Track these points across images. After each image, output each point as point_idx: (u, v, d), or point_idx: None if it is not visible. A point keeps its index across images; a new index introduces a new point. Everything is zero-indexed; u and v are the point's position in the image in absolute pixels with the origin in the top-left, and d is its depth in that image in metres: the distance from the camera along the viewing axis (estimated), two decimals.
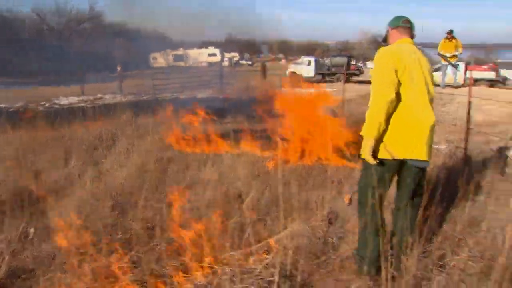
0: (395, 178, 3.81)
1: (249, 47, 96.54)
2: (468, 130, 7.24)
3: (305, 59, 39.95)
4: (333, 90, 21.08)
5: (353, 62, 39.49)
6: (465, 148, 7.19)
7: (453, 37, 19.12)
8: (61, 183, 6.82)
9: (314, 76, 36.40)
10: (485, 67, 25.39)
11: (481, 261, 3.55)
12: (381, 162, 3.60)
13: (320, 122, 7.68)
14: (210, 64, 62.83)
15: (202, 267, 3.55)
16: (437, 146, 8.18)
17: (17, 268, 4.10)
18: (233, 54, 80.00)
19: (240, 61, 79.77)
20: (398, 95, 3.55)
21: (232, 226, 4.13)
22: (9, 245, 4.30)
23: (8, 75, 43.24)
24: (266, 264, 3.42)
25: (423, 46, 22.00)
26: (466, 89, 7.59)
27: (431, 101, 3.75)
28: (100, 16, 65.56)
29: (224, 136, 8.84)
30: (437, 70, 21.39)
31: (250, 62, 78.67)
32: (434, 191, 4.22)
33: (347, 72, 35.43)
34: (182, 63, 64.65)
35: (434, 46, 22.82)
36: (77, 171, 7.35)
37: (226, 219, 4.30)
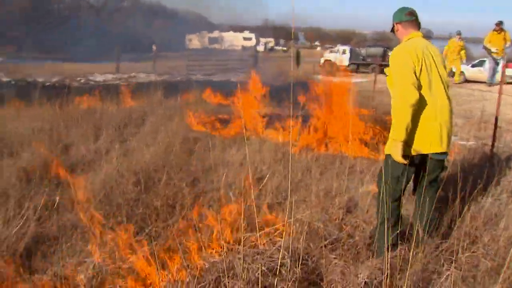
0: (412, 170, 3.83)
1: (285, 33, 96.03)
2: (496, 127, 7.14)
3: (340, 47, 39.66)
4: (363, 80, 20.93)
5: (389, 53, 38.90)
6: (492, 145, 7.10)
7: (502, 29, 17.53)
8: (89, 158, 7.00)
9: (348, 66, 36.13)
10: None
11: (494, 259, 3.55)
12: (405, 158, 3.62)
13: (346, 111, 7.67)
14: (245, 48, 62.80)
15: (216, 245, 3.65)
16: (464, 142, 8.10)
17: (42, 235, 4.27)
18: (268, 39, 79.69)
19: (275, 47, 79.37)
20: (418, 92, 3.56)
21: (250, 208, 4.21)
22: (35, 213, 4.46)
23: (46, 50, 44.08)
24: (279, 247, 3.49)
25: (466, 41, 21.43)
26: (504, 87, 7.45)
27: (447, 89, 3.77)
28: None
29: (251, 119, 8.90)
30: (476, 65, 20.88)
31: (285, 48, 78.18)
32: (455, 186, 4.23)
33: (382, 63, 35.10)
34: (217, 46, 64.77)
35: (477, 40, 22.25)
36: (106, 147, 7.52)
37: (244, 200, 4.36)
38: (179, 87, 15.34)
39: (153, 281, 3.25)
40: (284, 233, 3.67)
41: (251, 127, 8.64)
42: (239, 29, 75.92)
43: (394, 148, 3.59)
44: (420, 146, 3.65)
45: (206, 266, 3.32)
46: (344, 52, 36.90)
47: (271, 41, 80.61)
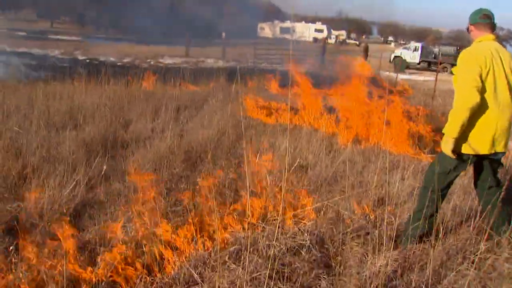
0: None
1: (358, 27, 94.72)
2: None
3: (412, 44, 38.89)
4: (431, 79, 20.45)
5: None
6: None
7: None
8: (146, 135, 7.36)
9: (419, 63, 35.41)
10: None
11: None
12: (460, 156, 3.76)
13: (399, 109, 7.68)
14: (316, 39, 62.50)
15: (244, 222, 3.85)
16: None
17: (91, 199, 4.63)
18: (340, 32, 78.94)
19: (347, 40, 78.45)
20: (481, 95, 3.62)
21: (287, 192, 4.38)
22: (86, 180, 4.83)
23: (119, 31, 45.76)
24: (303, 229, 3.65)
25: None
26: None
27: None
28: None
29: (307, 110, 9.03)
30: None
31: (357, 42, 77.10)
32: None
33: (454, 63, 34.06)
34: (288, 36, 64.78)
35: None
36: (162, 127, 7.86)
37: (279, 185, 4.54)
38: (244, 74, 15.61)
39: (182, 248, 3.50)
40: (312, 217, 3.81)
41: (306, 117, 8.76)
42: (312, 19, 75.56)
43: (445, 143, 3.73)
44: (478, 147, 3.75)
45: (231, 240, 3.54)
46: (415, 49, 36.14)
47: (342, 34, 79.74)
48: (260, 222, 3.92)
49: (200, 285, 3.04)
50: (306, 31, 69.58)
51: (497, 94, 3.69)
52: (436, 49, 36.86)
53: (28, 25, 55.32)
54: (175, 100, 10.26)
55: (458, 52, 34.68)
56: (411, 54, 35.66)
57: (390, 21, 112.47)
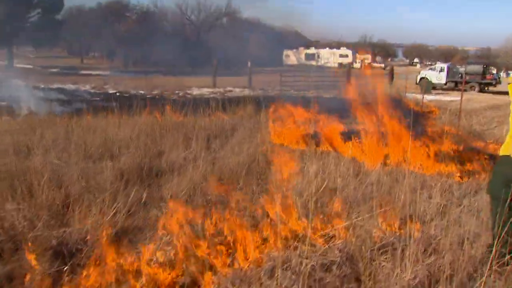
0: None
1: (383, 50, 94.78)
2: None
3: (438, 65, 38.86)
4: (457, 99, 20.41)
5: (493, 71, 37.41)
6: None
7: None
8: (179, 163, 7.64)
9: (446, 84, 35.34)
10: None
11: None
12: None
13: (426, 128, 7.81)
14: (341, 64, 62.81)
15: (277, 241, 4.06)
16: None
17: (130, 225, 4.90)
18: (365, 56, 79.13)
19: (373, 64, 78.47)
20: None
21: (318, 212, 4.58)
22: (126, 206, 5.11)
23: (149, 64, 46.89)
24: (334, 247, 3.84)
25: None
26: None
27: None
28: (237, 13, 67.83)
29: (333, 136, 9.21)
30: None
31: (382, 65, 77.07)
32: None
33: (482, 82, 33.93)
34: (313, 62, 65.25)
35: None
36: (194, 155, 8.15)
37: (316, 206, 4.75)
38: (271, 102, 15.90)
39: (220, 269, 3.71)
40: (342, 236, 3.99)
41: (331, 142, 8.94)
42: (336, 45, 76.03)
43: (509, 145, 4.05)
44: None
45: (265, 259, 3.75)
46: (441, 70, 36.10)
47: (367, 58, 79.88)
48: (292, 241, 4.12)
49: None
50: (331, 57, 70.05)
51: None
52: (462, 69, 36.75)
53: (59, 61, 57.30)
54: (205, 129, 10.58)
55: (485, 69, 34.61)
56: (437, 75, 35.64)
57: (415, 43, 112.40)
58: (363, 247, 3.89)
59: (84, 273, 3.57)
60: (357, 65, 67.86)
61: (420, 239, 4.09)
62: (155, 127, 10.56)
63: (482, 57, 66.50)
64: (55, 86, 26.80)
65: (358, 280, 3.50)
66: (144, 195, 5.33)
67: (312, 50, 72.58)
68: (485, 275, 3.33)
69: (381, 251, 3.85)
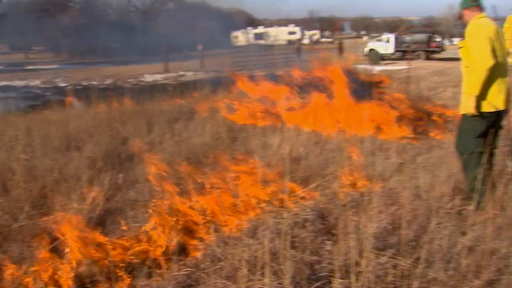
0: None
1: (331, 25, 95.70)
2: None
3: (384, 36, 39.76)
4: (402, 68, 21.11)
5: (438, 39, 38.52)
6: None
7: None
8: (145, 148, 7.83)
9: (393, 53, 36.22)
10: None
11: None
12: (482, 115, 4.44)
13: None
14: (290, 42, 63.27)
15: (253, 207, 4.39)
16: None
17: (111, 208, 5.12)
18: (313, 32, 79.83)
19: (321, 39, 79.28)
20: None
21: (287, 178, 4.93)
22: (102, 192, 5.32)
23: (97, 55, 46.19)
24: (305, 207, 4.20)
25: None
26: None
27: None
28: None
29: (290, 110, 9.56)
30: None
31: (331, 40, 78.00)
32: None
33: (427, 49, 35.01)
34: (262, 42, 65.42)
35: None
36: (159, 139, 8.35)
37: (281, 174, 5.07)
38: (224, 83, 16.11)
39: (201, 235, 4.02)
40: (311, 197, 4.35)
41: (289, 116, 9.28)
42: (284, 23, 76.33)
43: (467, 102, 4.41)
44: (497, 103, 4.46)
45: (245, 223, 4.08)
46: (388, 41, 36.98)
47: (316, 34, 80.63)
48: (267, 205, 4.46)
49: (224, 261, 3.54)
50: (280, 35, 70.32)
51: (503, 59, 4.48)
52: (408, 38, 37.70)
53: (2, 58, 55.51)
54: (165, 114, 10.74)
55: (430, 38, 35.66)
56: (385, 45, 36.52)
57: (361, 16, 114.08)
58: (331, 204, 4.26)
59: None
60: (306, 41, 68.47)
61: (382, 193, 4.50)
62: (115, 116, 10.64)
63: (427, 26, 68.07)
64: (2, 83, 26.14)
65: (330, 233, 3.87)
66: (121, 178, 5.53)
67: (260, 30, 72.65)
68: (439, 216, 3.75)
69: (348, 206, 4.23)
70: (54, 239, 4.05)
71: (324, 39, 79.53)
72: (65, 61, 47.27)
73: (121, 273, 3.51)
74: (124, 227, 4.32)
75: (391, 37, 37.74)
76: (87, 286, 3.54)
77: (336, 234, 3.77)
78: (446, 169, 5.12)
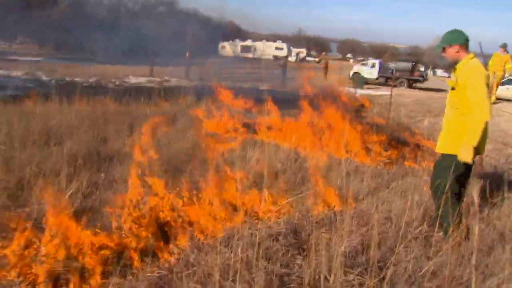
0: None
1: (318, 44, 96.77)
2: None
3: (370, 61, 40.38)
4: (384, 93, 21.47)
5: (421, 68, 39.24)
6: None
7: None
8: (125, 150, 7.88)
9: (377, 79, 36.77)
10: None
11: None
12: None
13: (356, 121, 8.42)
14: (276, 58, 63.71)
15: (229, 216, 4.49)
16: None
17: (87, 206, 5.16)
18: (300, 50, 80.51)
19: (307, 58, 79.96)
20: None
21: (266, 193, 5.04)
22: (80, 190, 5.37)
23: (84, 51, 45.88)
24: (278, 220, 4.32)
25: None
26: None
27: None
28: (174, 2, 67.20)
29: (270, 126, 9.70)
30: (505, 83, 20.09)
31: (317, 60, 78.72)
32: None
33: (410, 78, 35.64)
34: (249, 55, 65.80)
35: None
36: (139, 141, 8.39)
37: (260, 187, 5.20)
38: (209, 92, 16.21)
39: (179, 242, 4.11)
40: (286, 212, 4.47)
41: (270, 132, 9.42)
42: (272, 38, 76.87)
43: (467, 152, 4.33)
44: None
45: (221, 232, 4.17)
46: (373, 66, 37.57)
47: (303, 52, 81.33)
48: (243, 216, 4.57)
49: (197, 267, 3.63)
50: (267, 50, 70.78)
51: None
52: (393, 65, 38.32)
53: None
54: (147, 118, 10.79)
55: (413, 67, 36.34)
56: (369, 70, 37.07)
57: (349, 39, 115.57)
58: (305, 221, 4.39)
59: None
60: (292, 58, 69.00)
61: (354, 214, 4.64)
62: (98, 115, 10.67)
63: (412, 54, 69.31)
64: None
65: (302, 248, 3.99)
66: (102, 177, 5.58)
67: (248, 43, 73.06)
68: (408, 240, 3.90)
69: (320, 224, 4.37)
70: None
71: (310, 58, 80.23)
72: (50, 54, 46.84)
73: (94, 270, 3.57)
74: (99, 225, 4.39)
75: (376, 62, 38.35)
76: (61, 280, 3.60)
77: (307, 249, 3.89)
78: (418, 195, 5.29)
